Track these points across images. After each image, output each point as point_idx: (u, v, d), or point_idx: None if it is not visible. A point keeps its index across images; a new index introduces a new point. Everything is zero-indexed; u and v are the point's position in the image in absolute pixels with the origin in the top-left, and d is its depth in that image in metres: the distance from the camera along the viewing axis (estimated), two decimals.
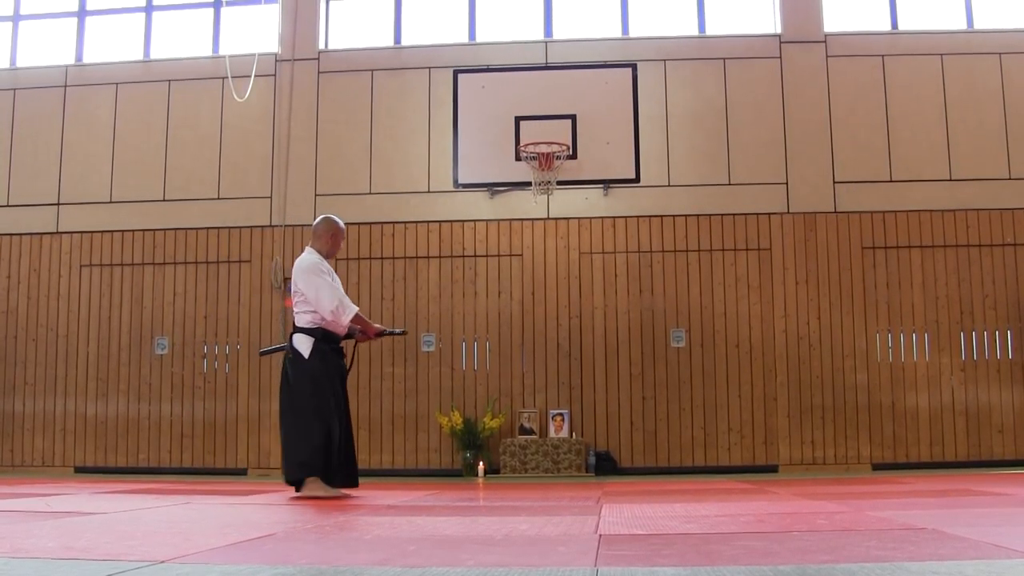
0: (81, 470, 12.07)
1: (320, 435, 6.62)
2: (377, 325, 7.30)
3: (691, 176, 12.00)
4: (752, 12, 12.57)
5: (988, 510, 4.99)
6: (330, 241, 7.07)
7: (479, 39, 12.59)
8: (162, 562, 3.09)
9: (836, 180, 11.88)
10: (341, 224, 7.17)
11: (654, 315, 11.79)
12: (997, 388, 11.48)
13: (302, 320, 6.89)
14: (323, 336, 6.83)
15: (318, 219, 7.22)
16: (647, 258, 11.89)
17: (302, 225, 12.19)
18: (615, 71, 11.15)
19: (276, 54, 12.58)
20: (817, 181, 11.89)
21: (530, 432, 11.53)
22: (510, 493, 7.60)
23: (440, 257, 11.99)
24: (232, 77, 12.03)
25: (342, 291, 6.97)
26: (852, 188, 11.86)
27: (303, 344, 6.82)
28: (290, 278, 7.13)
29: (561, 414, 11.55)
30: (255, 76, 12.16)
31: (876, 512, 4.83)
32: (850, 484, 8.17)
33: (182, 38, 13.04)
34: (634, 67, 11.13)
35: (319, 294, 6.77)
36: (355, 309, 6.85)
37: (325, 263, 6.97)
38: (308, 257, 6.95)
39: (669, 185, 11.97)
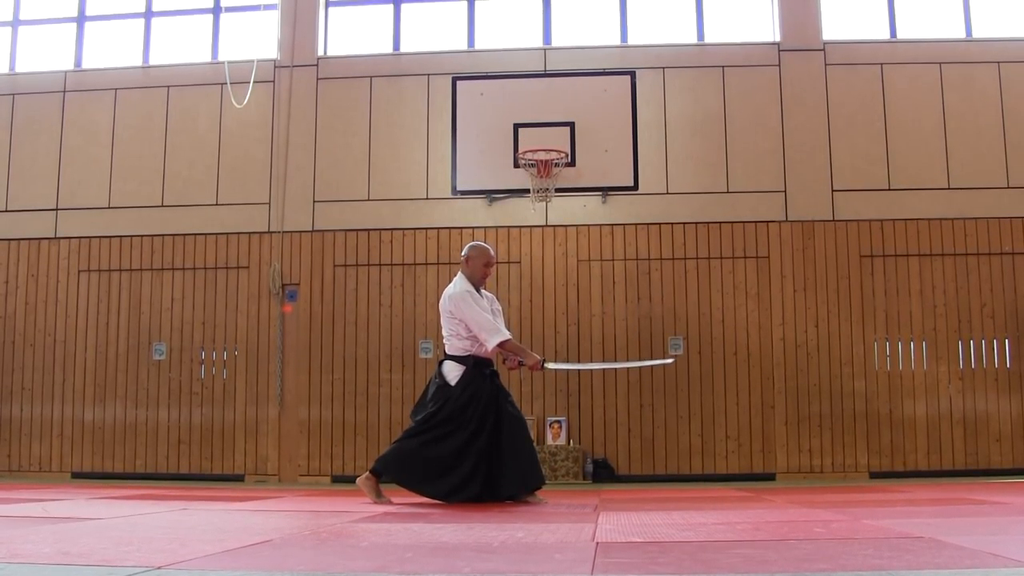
0: (78, 475, 12.05)
1: (448, 456, 6.85)
2: (537, 356, 7.16)
3: (689, 184, 12.01)
4: (751, 20, 12.60)
5: (986, 519, 4.99)
6: (481, 269, 7.16)
7: (478, 46, 12.60)
8: (159, 568, 3.09)
9: (834, 188, 11.90)
10: (492, 252, 7.28)
11: (652, 322, 11.79)
12: (995, 397, 11.49)
13: (453, 347, 7.05)
14: (474, 363, 6.98)
15: (469, 246, 7.29)
16: (645, 265, 11.90)
17: (300, 231, 12.20)
18: (614, 78, 11.16)
19: (275, 60, 12.59)
20: (815, 189, 11.90)
21: None
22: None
23: (438, 264, 11.99)
24: (231, 83, 12.04)
25: (490, 318, 7.03)
26: (850, 196, 11.88)
27: (452, 372, 7.00)
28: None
29: (558, 421, 11.55)
30: (254, 82, 12.17)
31: (873, 521, 4.83)
32: (848, 492, 8.17)
33: (181, 44, 13.05)
34: (633, 74, 11.14)
35: (478, 321, 6.91)
36: (503, 336, 6.93)
37: (475, 291, 7.08)
38: (460, 285, 7.06)
39: (667, 193, 11.98)
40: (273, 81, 12.52)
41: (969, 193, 11.82)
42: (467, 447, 6.88)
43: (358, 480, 7.13)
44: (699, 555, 3.43)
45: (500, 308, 7.35)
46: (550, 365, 7.55)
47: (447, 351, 7.11)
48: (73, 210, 12.59)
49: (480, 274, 7.15)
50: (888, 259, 11.76)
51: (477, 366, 7.01)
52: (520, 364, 7.14)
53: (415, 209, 12.17)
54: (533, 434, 11.45)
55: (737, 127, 12.08)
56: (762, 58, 12.23)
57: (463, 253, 7.26)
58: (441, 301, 7.18)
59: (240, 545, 3.81)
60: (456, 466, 6.87)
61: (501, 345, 6.95)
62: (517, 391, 11.68)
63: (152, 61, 12.98)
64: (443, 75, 12.00)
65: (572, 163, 10.70)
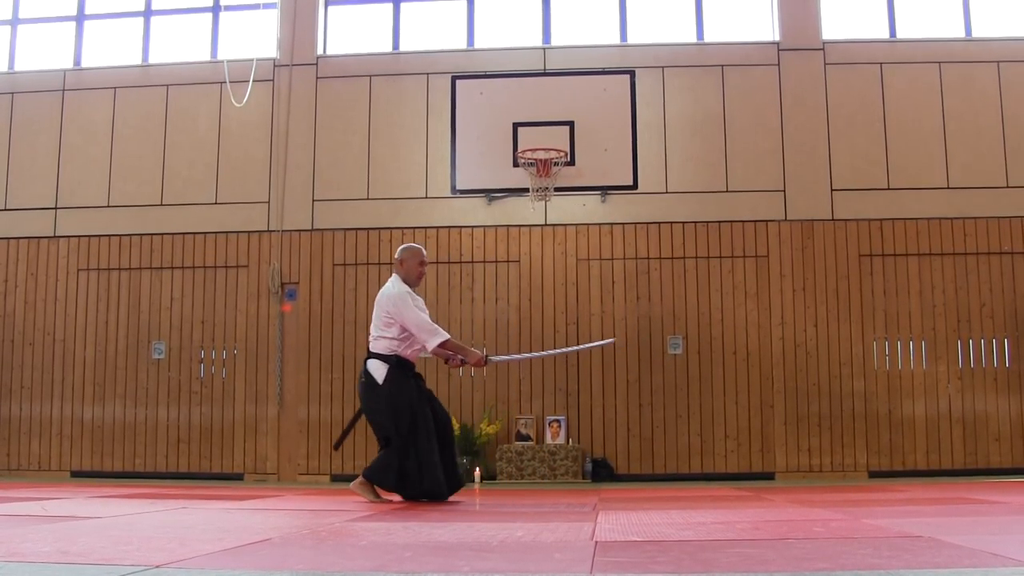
0: (77, 474, 12.05)
1: (398, 457, 6.84)
2: (478, 352, 7.23)
3: (689, 183, 12.01)
4: (750, 19, 12.59)
5: (985, 518, 4.99)
6: (416, 269, 7.19)
7: (477, 45, 12.60)
8: (157, 567, 3.09)
9: (834, 188, 11.90)
10: (424, 252, 7.32)
11: (651, 322, 11.79)
12: (994, 396, 11.49)
13: (378, 346, 7.04)
14: (397, 362, 6.97)
15: (402, 248, 7.32)
16: (644, 265, 11.90)
17: (299, 230, 12.20)
18: (613, 78, 11.16)
19: (275, 59, 12.59)
20: (815, 189, 11.90)
21: (527, 438, 11.52)
22: (506, 499, 7.59)
23: (437, 263, 11.98)
24: (230, 82, 12.03)
25: (428, 319, 7.09)
26: (850, 196, 11.88)
27: (378, 370, 6.99)
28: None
29: (558, 420, 11.55)
30: (253, 81, 12.17)
31: (873, 520, 4.83)
32: (847, 492, 8.17)
33: (180, 43, 13.05)
34: (632, 74, 11.14)
35: (417, 322, 6.93)
36: (443, 336, 6.96)
37: (412, 292, 7.10)
38: (397, 286, 7.07)
39: (667, 192, 11.98)
40: (272, 80, 12.51)
41: (968, 193, 11.82)
42: (432, 454, 6.92)
43: (352, 485, 7.10)
44: (698, 554, 3.43)
45: (427, 311, 7.35)
46: (493, 358, 7.60)
47: (372, 348, 7.09)
48: (72, 209, 12.58)
49: (415, 274, 7.19)
50: (887, 259, 11.76)
51: (400, 366, 7.01)
52: (462, 363, 7.21)
53: (414, 208, 12.17)
54: (532, 433, 11.49)
55: (737, 127, 12.07)
56: (762, 58, 12.22)
57: (396, 256, 7.28)
58: (377, 300, 7.15)
59: (239, 544, 3.81)
60: (430, 472, 6.92)
61: (442, 345, 6.99)
62: (516, 390, 11.71)
63: (151, 60, 12.97)
64: (442, 74, 12.00)
65: (571, 162, 10.70)
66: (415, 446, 6.88)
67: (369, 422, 7.19)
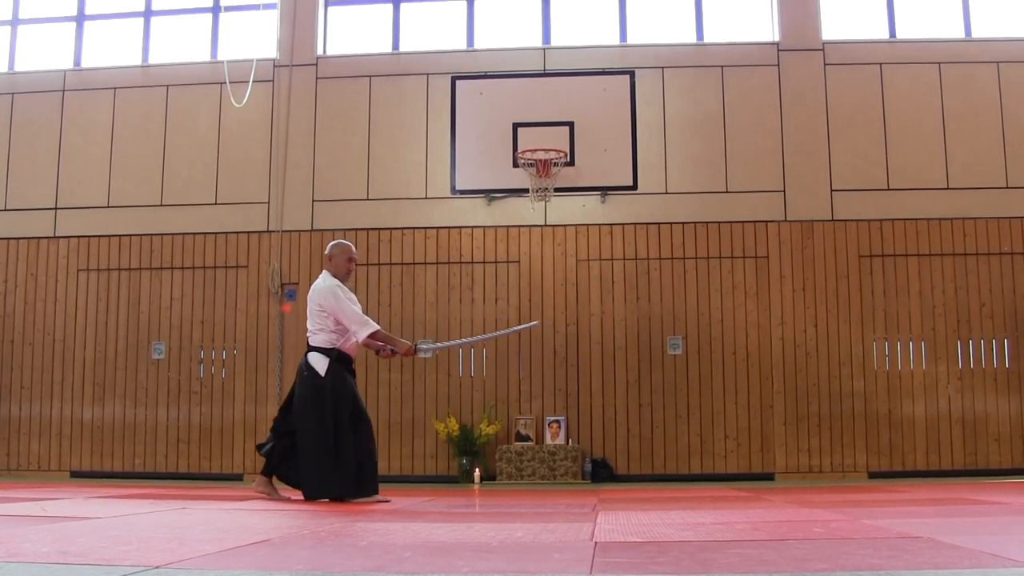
0: (77, 474, 12.05)
1: (342, 455, 6.85)
2: (407, 342, 7.34)
3: (689, 184, 12.01)
4: (750, 20, 12.60)
5: (984, 519, 4.99)
6: (344, 264, 7.29)
7: (477, 46, 12.60)
8: (157, 567, 3.09)
9: (833, 188, 11.90)
10: (353, 249, 7.43)
11: (651, 322, 11.79)
12: (994, 397, 11.49)
13: (317, 340, 7.13)
14: (338, 356, 7.06)
15: (331, 244, 7.41)
16: (644, 265, 11.90)
17: (299, 231, 12.20)
18: (613, 78, 11.16)
19: (274, 60, 12.59)
20: (814, 189, 11.90)
21: (526, 439, 11.52)
22: (506, 500, 7.59)
23: (437, 263, 11.99)
24: (230, 82, 12.03)
25: (359, 310, 7.21)
26: (849, 196, 11.88)
27: (319, 362, 7.05)
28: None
29: (557, 421, 11.55)
30: (253, 81, 12.16)
31: (872, 521, 4.83)
32: (846, 492, 8.17)
33: (180, 43, 13.05)
34: (632, 74, 11.13)
35: (348, 314, 7.04)
36: (373, 327, 7.08)
37: (342, 285, 7.20)
38: (327, 281, 7.19)
39: (667, 192, 11.98)
40: (272, 80, 12.51)
41: (968, 193, 11.82)
42: (350, 454, 6.95)
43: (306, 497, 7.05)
44: (698, 555, 3.44)
45: (359, 305, 7.41)
46: (422, 345, 7.68)
47: (311, 343, 7.18)
48: (72, 209, 12.58)
49: (344, 270, 7.29)
50: (887, 259, 11.76)
51: (340, 360, 7.10)
52: (393, 352, 7.33)
53: (414, 209, 12.17)
54: (532, 433, 11.49)
55: (736, 127, 12.07)
56: (761, 58, 12.22)
57: (326, 252, 7.40)
58: (309, 295, 7.30)
59: (239, 544, 3.81)
60: (358, 466, 6.94)
61: (372, 335, 7.10)
62: (516, 390, 11.70)
63: (151, 60, 12.97)
64: (442, 75, 12.00)
65: (571, 163, 10.70)
66: (337, 441, 6.87)
67: (296, 414, 7.11)
